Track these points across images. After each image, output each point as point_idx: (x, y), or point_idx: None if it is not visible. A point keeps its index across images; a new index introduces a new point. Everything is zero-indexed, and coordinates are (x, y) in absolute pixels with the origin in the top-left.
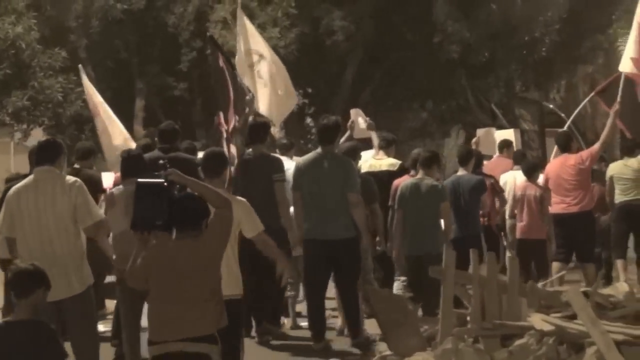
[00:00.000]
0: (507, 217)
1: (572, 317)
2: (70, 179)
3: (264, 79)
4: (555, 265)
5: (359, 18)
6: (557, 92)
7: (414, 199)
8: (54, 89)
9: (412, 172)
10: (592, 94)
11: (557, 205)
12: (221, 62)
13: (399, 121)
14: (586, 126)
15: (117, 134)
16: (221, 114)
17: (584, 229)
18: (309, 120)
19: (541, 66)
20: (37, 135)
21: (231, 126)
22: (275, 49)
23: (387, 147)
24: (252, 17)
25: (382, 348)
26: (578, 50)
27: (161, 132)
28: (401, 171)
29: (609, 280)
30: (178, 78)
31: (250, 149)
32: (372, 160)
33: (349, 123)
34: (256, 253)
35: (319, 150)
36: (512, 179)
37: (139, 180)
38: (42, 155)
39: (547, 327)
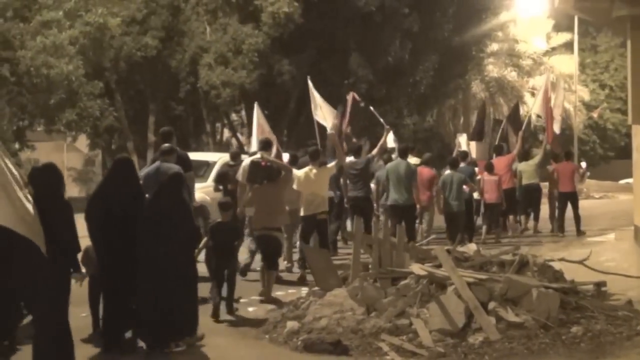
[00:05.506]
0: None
1: (439, 266)
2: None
3: None
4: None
5: (299, 65)
6: (431, 117)
7: (451, 183)
8: (94, 109)
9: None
10: (504, 121)
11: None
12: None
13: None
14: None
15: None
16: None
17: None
18: None
19: (420, 99)
20: (82, 140)
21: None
22: (243, 84)
23: (411, 151)
24: (227, 63)
25: (313, 285)
26: (445, 89)
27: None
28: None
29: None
30: (177, 102)
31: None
32: (412, 159)
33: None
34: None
35: (398, 159)
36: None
37: (252, 160)
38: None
39: (422, 273)
